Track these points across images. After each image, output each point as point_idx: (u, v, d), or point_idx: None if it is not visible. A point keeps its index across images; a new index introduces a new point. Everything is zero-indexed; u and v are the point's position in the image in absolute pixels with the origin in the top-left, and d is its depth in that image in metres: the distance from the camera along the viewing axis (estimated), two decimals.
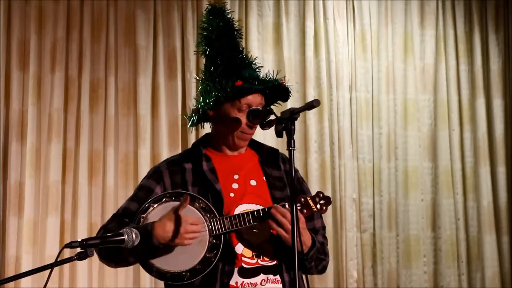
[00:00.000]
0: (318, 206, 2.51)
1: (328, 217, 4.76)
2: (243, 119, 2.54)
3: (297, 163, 4.38)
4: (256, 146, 2.68)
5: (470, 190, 5.14)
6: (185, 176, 2.54)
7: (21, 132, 4.56)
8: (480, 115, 5.20)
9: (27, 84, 4.59)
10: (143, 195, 2.53)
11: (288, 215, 2.39)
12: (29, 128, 4.54)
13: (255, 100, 2.55)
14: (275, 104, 2.68)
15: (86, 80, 4.68)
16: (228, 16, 2.67)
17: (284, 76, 2.71)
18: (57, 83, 4.63)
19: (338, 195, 4.89)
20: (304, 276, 2.36)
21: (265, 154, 2.65)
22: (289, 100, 4.78)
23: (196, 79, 2.70)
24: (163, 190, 2.53)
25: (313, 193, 2.60)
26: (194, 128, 2.73)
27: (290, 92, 2.64)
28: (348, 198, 4.90)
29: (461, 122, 5.20)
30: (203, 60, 2.70)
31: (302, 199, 2.50)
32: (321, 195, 2.53)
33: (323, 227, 2.66)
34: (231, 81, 2.54)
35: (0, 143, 4.56)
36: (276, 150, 2.67)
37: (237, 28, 2.67)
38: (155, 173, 2.59)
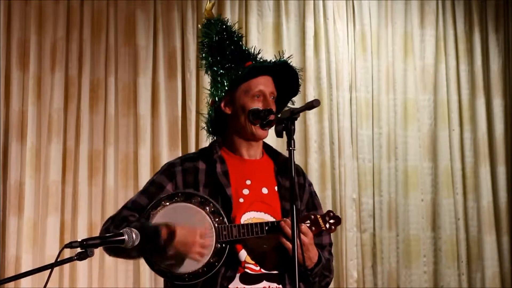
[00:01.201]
0: (328, 225, 2.50)
1: None
2: (260, 106, 2.53)
3: (297, 163, 4.37)
4: (273, 154, 2.66)
5: (470, 190, 5.14)
6: (198, 176, 2.53)
7: (21, 132, 4.56)
8: (480, 115, 5.20)
9: (27, 84, 4.59)
10: (153, 190, 2.53)
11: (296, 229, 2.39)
12: (29, 128, 4.54)
13: (267, 86, 2.56)
14: (288, 105, 2.67)
15: (86, 80, 4.69)
16: (226, 23, 2.67)
17: (290, 55, 2.70)
18: (57, 83, 4.64)
19: (338, 195, 4.89)
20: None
21: (281, 163, 2.62)
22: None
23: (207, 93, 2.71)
24: (175, 188, 2.53)
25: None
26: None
27: (300, 77, 2.64)
28: (348, 198, 4.90)
29: (461, 122, 5.19)
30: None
31: (312, 216, 2.49)
32: (331, 214, 2.51)
33: (330, 244, 2.65)
34: (241, 66, 2.56)
35: (0, 143, 4.56)
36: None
37: (237, 31, 2.67)
38: (168, 170, 2.58)
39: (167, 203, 2.45)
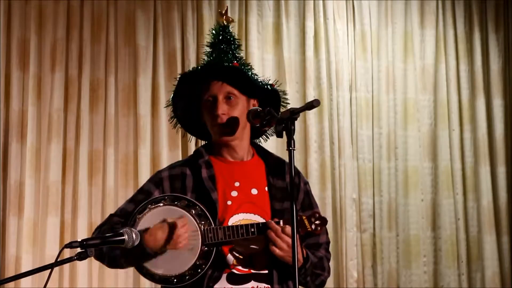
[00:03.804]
0: (313, 226, 2.48)
1: (328, 217, 4.74)
2: (211, 112, 2.54)
3: (297, 163, 4.38)
4: (264, 154, 2.65)
5: (470, 190, 5.14)
6: (185, 182, 2.54)
7: (21, 132, 4.55)
8: (480, 115, 5.20)
9: (27, 84, 4.59)
10: (141, 198, 2.54)
11: (280, 233, 2.39)
12: (29, 128, 4.54)
13: (220, 88, 2.54)
14: (284, 98, 2.67)
15: (86, 80, 4.69)
16: (228, 30, 2.67)
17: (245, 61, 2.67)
18: (57, 83, 4.64)
19: (338, 195, 4.89)
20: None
21: (272, 163, 2.62)
22: (289, 100, 4.76)
23: None
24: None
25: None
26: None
27: (247, 71, 2.59)
28: (348, 198, 4.90)
29: (461, 122, 5.19)
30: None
31: (298, 218, 2.46)
32: (317, 215, 2.50)
33: (327, 243, 2.64)
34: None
35: (0, 143, 4.56)
36: (283, 161, 2.63)
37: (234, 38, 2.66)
38: (156, 177, 2.60)
39: (153, 207, 2.46)
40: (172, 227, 2.39)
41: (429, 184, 5.11)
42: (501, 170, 5.18)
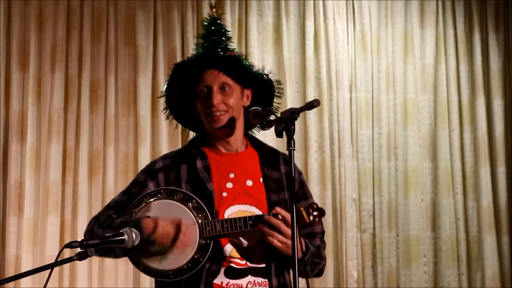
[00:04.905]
0: (311, 217, 2.48)
1: (328, 217, 4.76)
2: (202, 101, 2.53)
3: (297, 163, 4.38)
4: (258, 145, 2.65)
5: (470, 190, 5.14)
6: (180, 173, 2.53)
7: (21, 132, 4.56)
8: (480, 115, 5.20)
9: (27, 84, 4.59)
10: (135, 190, 2.54)
11: (281, 225, 2.38)
12: (29, 128, 4.54)
13: (215, 78, 2.53)
14: (274, 102, 2.65)
15: (86, 80, 4.69)
16: (219, 22, 2.66)
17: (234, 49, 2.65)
18: (57, 83, 4.64)
19: (338, 195, 4.89)
20: (298, 279, 2.35)
21: (266, 154, 2.62)
22: (289, 100, 4.79)
23: None
24: (156, 187, 2.53)
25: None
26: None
27: (250, 66, 2.58)
28: (348, 198, 4.90)
29: (461, 122, 5.19)
30: None
31: (298, 213, 2.46)
32: (315, 206, 2.50)
33: (322, 232, 2.64)
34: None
35: (0, 143, 4.56)
36: (277, 151, 2.64)
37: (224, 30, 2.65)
38: (150, 169, 2.59)
39: (150, 200, 2.46)
40: (179, 229, 2.38)
41: (429, 184, 5.12)
42: (501, 170, 5.18)
